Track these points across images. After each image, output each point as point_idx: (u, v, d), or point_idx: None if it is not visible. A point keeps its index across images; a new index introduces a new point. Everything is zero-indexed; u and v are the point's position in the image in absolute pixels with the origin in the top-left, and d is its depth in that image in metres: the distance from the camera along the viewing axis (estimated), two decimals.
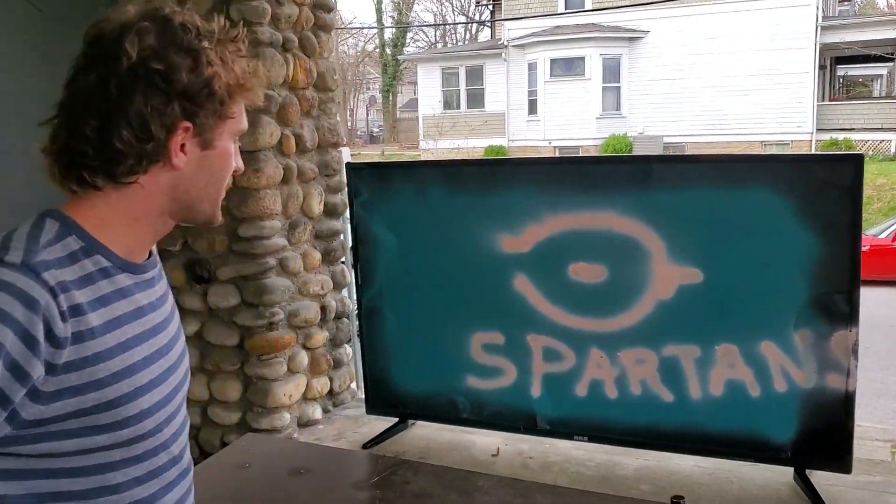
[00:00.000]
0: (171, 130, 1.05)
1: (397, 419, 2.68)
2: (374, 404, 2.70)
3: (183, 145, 1.07)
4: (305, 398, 2.80)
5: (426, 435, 2.66)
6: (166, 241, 2.67)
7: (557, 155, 17.51)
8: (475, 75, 22.37)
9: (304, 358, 2.76)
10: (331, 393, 2.92)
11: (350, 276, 2.96)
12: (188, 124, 1.06)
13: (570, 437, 2.47)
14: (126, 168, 1.05)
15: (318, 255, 2.81)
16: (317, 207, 2.80)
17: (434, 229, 2.52)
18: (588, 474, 2.38)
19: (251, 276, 2.62)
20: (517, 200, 2.40)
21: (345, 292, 3.01)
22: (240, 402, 2.70)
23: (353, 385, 3.05)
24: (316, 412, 2.82)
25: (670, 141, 18.71)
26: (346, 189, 2.60)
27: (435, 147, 22.10)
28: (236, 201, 2.58)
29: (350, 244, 2.75)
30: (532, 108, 21.09)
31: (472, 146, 21.19)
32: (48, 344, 0.97)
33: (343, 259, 2.98)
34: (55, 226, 1.05)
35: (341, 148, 2.99)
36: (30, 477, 1.04)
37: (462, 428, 2.66)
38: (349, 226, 2.61)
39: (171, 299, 1.24)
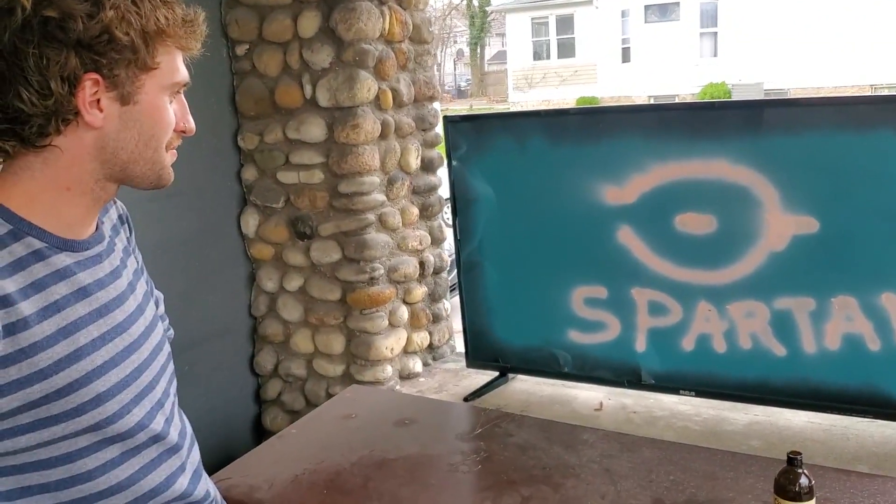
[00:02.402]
0: (73, 84, 0.96)
1: (498, 373, 2.69)
2: (475, 358, 2.70)
3: (98, 101, 0.98)
4: (406, 352, 2.83)
5: (527, 389, 2.66)
6: (269, 198, 2.72)
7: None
8: (565, 24, 21.88)
9: (404, 312, 2.78)
10: (431, 347, 2.94)
11: (447, 231, 2.96)
12: (95, 76, 0.97)
13: (676, 391, 2.42)
14: (35, 130, 0.96)
15: (415, 211, 2.82)
16: (414, 162, 2.79)
17: (534, 181, 2.48)
18: (695, 429, 2.33)
19: (351, 231, 2.64)
20: (621, 150, 2.32)
21: (443, 247, 3.00)
22: (343, 355, 2.75)
23: (453, 340, 3.06)
24: (417, 365, 2.85)
25: (771, 87, 17.82)
26: (444, 143, 2.58)
27: (524, 99, 21.81)
28: (336, 157, 2.60)
29: (448, 199, 2.74)
30: (625, 56, 20.50)
31: (563, 97, 20.79)
32: None
33: (440, 214, 2.97)
34: None
35: (437, 102, 2.96)
36: None
37: (563, 382, 2.64)
38: (447, 180, 2.59)
39: (129, 273, 1.16)
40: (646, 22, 19.70)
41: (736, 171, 2.15)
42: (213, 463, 2.07)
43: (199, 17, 1.07)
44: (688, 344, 2.36)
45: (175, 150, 1.11)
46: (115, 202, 1.25)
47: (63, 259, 1.03)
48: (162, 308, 1.37)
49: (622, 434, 2.15)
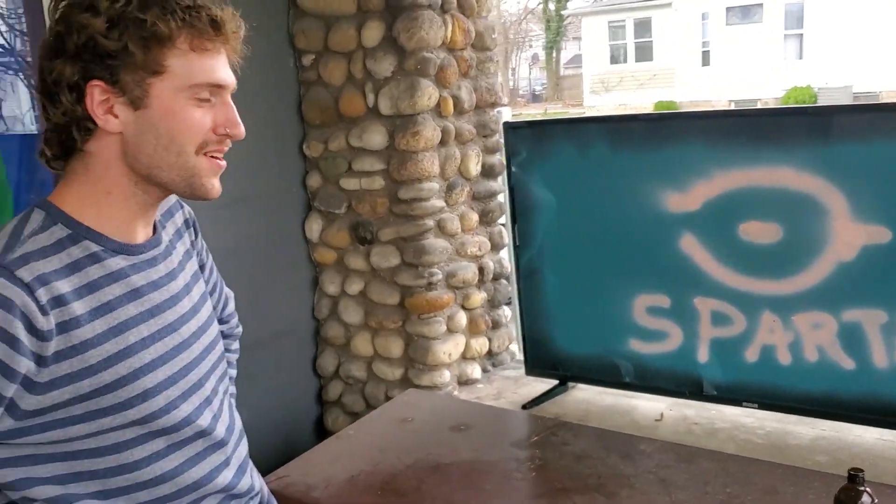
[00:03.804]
0: (78, 93, 1.01)
1: (557, 381, 2.67)
2: (534, 365, 2.69)
3: (111, 107, 1.02)
4: (465, 357, 2.84)
5: (586, 398, 2.63)
6: (332, 204, 2.77)
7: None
8: (643, 27, 21.55)
9: (462, 318, 2.79)
10: (490, 353, 2.94)
11: (507, 238, 2.96)
12: (98, 84, 1.01)
13: (738, 403, 2.36)
14: (66, 137, 1.03)
15: (475, 217, 2.82)
16: (474, 168, 2.80)
17: (596, 188, 2.45)
18: (758, 442, 2.27)
19: (410, 237, 2.67)
20: (685, 156, 2.28)
21: (502, 253, 3.00)
22: (402, 359, 2.78)
23: (513, 347, 3.05)
24: (475, 371, 2.86)
25: (861, 90, 17.07)
26: (504, 149, 2.58)
27: (601, 103, 21.56)
28: (396, 164, 2.63)
29: (508, 205, 2.74)
30: (705, 59, 20.01)
31: (640, 102, 20.47)
32: (33, 338, 0.97)
33: (501, 220, 2.97)
34: (41, 216, 1.04)
35: (501, 108, 2.96)
36: (49, 461, 1.04)
37: (624, 392, 2.61)
38: (507, 186, 2.59)
39: (186, 276, 1.20)
40: (727, 24, 19.22)
41: (802, 178, 2.08)
42: (277, 460, 2.13)
43: (231, 19, 1.06)
44: (751, 355, 2.30)
45: (220, 161, 1.11)
46: (182, 207, 1.30)
47: (118, 262, 1.08)
48: (232, 306, 1.44)
49: (680, 445, 2.11)
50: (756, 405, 2.32)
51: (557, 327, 2.61)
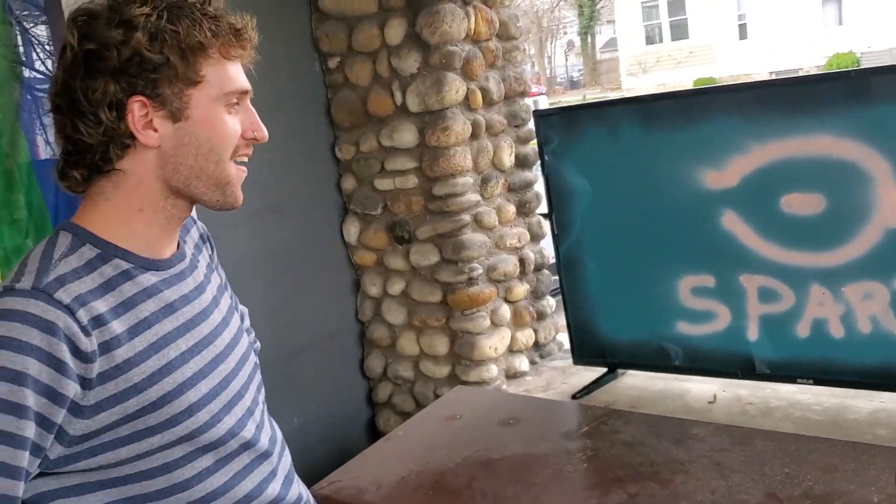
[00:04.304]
0: (120, 110, 1.00)
1: (606, 369, 2.63)
2: (581, 354, 2.66)
3: (150, 121, 1.02)
4: (511, 350, 2.82)
5: (636, 384, 2.59)
6: (367, 205, 2.78)
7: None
8: (677, 5, 21.20)
9: (506, 311, 2.77)
10: (536, 345, 2.91)
11: (546, 227, 2.93)
12: (140, 98, 1.00)
13: (792, 380, 2.30)
14: (98, 157, 1.02)
15: (512, 208, 2.80)
16: (507, 160, 2.78)
17: (631, 171, 2.41)
18: (815, 419, 2.20)
19: (448, 233, 2.66)
20: (719, 132, 2.23)
21: (542, 243, 2.97)
22: (448, 356, 2.77)
23: (560, 336, 3.02)
24: (523, 364, 2.83)
25: None
26: (536, 138, 2.56)
27: (639, 85, 21.28)
28: (428, 161, 2.62)
29: (544, 194, 2.71)
30: (742, 32, 19.61)
31: (679, 80, 20.15)
32: (77, 360, 0.96)
33: (539, 210, 2.94)
34: (68, 238, 1.04)
35: (538, 97, 2.93)
36: (99, 488, 1.02)
37: (674, 376, 2.56)
38: (542, 176, 2.56)
39: (213, 288, 1.19)
40: None
41: (842, 145, 2.02)
42: (333, 466, 2.14)
43: (248, 25, 1.08)
44: (802, 330, 2.24)
45: (244, 168, 1.13)
46: (195, 222, 1.30)
47: (149, 278, 1.08)
48: (247, 322, 1.42)
49: (734, 427, 2.06)
50: (811, 381, 2.26)
51: (603, 315, 2.58)
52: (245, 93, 1.10)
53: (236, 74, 1.08)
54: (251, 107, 1.12)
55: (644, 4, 21.83)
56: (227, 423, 1.12)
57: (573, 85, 32.63)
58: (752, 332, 2.32)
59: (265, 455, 1.20)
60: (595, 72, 30.09)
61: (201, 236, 1.31)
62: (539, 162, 2.59)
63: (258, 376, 1.28)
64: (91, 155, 1.03)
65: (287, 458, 1.29)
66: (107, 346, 0.99)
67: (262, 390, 1.29)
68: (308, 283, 2.83)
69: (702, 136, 2.26)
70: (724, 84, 2.63)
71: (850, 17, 18.04)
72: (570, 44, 36.47)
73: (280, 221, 2.68)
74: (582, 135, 2.48)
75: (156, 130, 1.03)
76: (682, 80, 20.02)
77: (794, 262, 2.20)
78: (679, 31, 21.22)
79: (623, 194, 2.45)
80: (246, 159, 1.13)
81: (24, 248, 2.01)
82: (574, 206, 2.53)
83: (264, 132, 1.12)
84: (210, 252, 1.32)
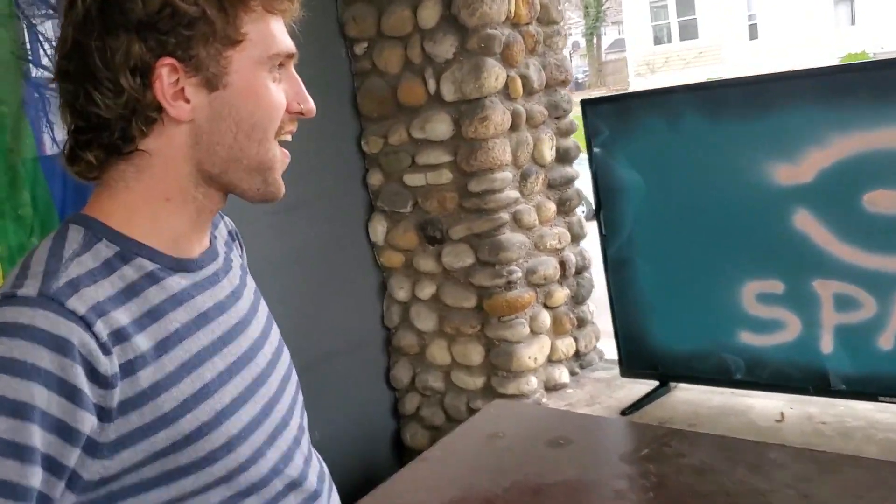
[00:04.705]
0: (146, 75, 0.80)
1: (657, 382, 2.41)
2: (630, 366, 2.44)
3: (182, 90, 0.81)
4: (550, 361, 2.59)
5: (692, 399, 2.37)
6: (396, 203, 2.56)
7: None
8: (686, 5, 21.01)
9: (546, 318, 2.55)
10: (577, 354, 2.69)
11: (587, 227, 2.71)
12: (170, 61, 0.80)
13: (874, 398, 2.07)
14: (118, 135, 0.81)
15: (552, 207, 2.58)
16: (548, 154, 2.56)
17: (691, 164, 2.20)
18: None
19: (484, 233, 2.44)
20: (794, 122, 2.01)
21: (583, 244, 2.75)
22: (483, 366, 2.55)
23: (600, 345, 2.79)
24: (563, 375, 2.61)
25: None
26: (584, 130, 2.33)
27: (646, 85, 21.10)
28: (464, 154, 2.40)
29: (589, 191, 2.49)
30: (752, 32, 19.45)
31: (688, 81, 19.93)
32: (95, 386, 0.74)
33: (580, 208, 2.72)
34: (80, 232, 0.83)
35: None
36: None
37: (733, 390, 2.34)
38: (589, 171, 2.34)
39: (249, 293, 0.98)
40: None
41: None
42: (355, 482, 1.94)
43: None
44: (885, 342, 2.02)
45: (287, 151, 0.93)
46: (222, 217, 1.09)
47: (178, 281, 0.87)
48: None
49: (818, 451, 1.85)
50: (895, 399, 2.03)
51: (655, 322, 2.36)
52: (290, 56, 0.91)
53: (281, 34, 0.89)
54: (296, 74, 0.93)
55: (652, 4, 21.63)
56: (270, 459, 0.91)
57: (578, 86, 32.38)
58: (826, 344, 2.10)
59: (314, 497, 0.98)
60: (601, 73, 29.85)
61: (230, 233, 1.09)
62: (586, 155, 2.36)
63: (301, 398, 1.07)
64: (108, 132, 0.82)
65: (336, 499, 1.07)
66: (130, 367, 0.78)
67: (305, 415, 1.08)
68: (330, 286, 2.61)
69: (774, 127, 2.05)
70: (803, 69, 2.43)
71: (863, 17, 17.85)
72: (576, 45, 36.26)
73: (300, 220, 2.46)
74: (636, 125, 2.26)
75: (188, 101, 0.83)
76: (690, 80, 19.82)
77: (877, 267, 1.98)
78: (688, 30, 21.02)
79: (681, 190, 2.24)
80: (290, 138, 0.93)
81: (29, 246, 1.87)
82: (626, 204, 2.31)
83: (311, 104, 0.93)
84: (240, 252, 1.10)
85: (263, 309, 1.04)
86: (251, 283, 1.05)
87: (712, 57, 20.00)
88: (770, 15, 18.78)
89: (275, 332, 1.04)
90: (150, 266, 0.85)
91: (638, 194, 2.29)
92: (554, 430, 2.08)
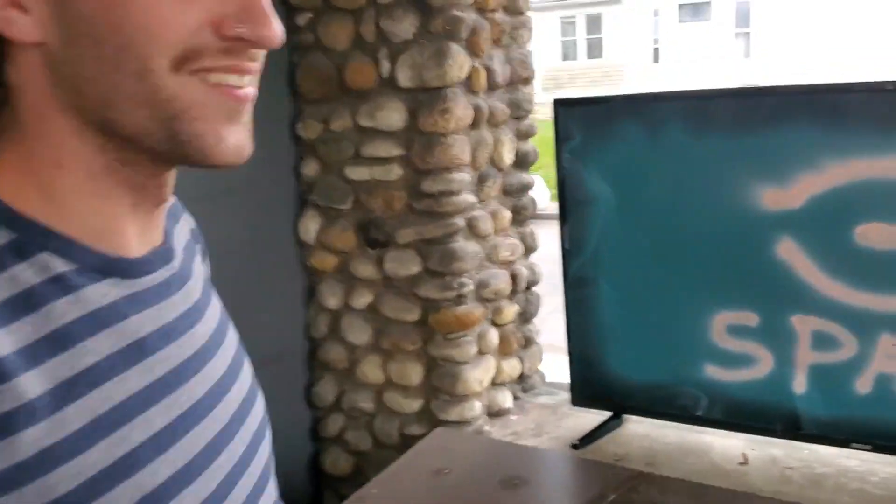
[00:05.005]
0: None
1: (611, 413, 2.21)
2: (582, 394, 2.23)
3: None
4: (494, 383, 2.36)
5: (647, 433, 2.18)
6: (333, 198, 2.27)
7: None
8: (594, 23, 21.41)
9: (494, 336, 2.31)
10: (521, 377, 2.47)
11: (540, 239, 2.49)
12: None
13: (845, 444, 1.94)
14: None
15: (508, 215, 2.35)
16: (507, 156, 2.32)
17: (669, 180, 2.01)
18: (874, 493, 1.85)
19: (436, 239, 2.18)
20: (788, 142, 1.85)
21: (532, 258, 2.53)
22: (422, 388, 2.28)
23: (541, 367, 2.58)
24: (506, 400, 2.38)
25: None
26: (554, 133, 2.11)
27: (550, 100, 21.33)
28: (419, 149, 2.14)
29: (546, 201, 2.27)
30: (655, 56, 20.04)
31: None
32: None
33: (532, 219, 2.50)
34: None
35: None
36: None
37: (690, 427, 2.17)
38: (556, 178, 2.12)
39: (213, 315, 0.70)
40: (679, 21, 19.17)
41: None
42: None
43: None
44: (862, 385, 1.89)
45: (234, 88, 0.58)
46: (183, 210, 0.79)
47: (104, 291, 0.57)
48: None
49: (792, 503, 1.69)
50: (869, 447, 1.90)
51: (614, 348, 2.16)
52: None
53: None
54: None
55: (563, 20, 21.90)
56: None
57: None
58: (800, 384, 1.96)
59: None
60: None
61: (192, 232, 0.79)
62: (555, 162, 2.14)
63: (273, 464, 0.78)
64: None
65: None
66: (8, 424, 0.48)
67: (276, 487, 0.79)
68: (249, 287, 2.28)
69: (765, 145, 1.88)
70: (805, 84, 2.29)
71: (757, 50, 18.66)
72: None
73: (219, 212, 2.10)
74: (611, 132, 2.06)
75: (25, 11, 0.53)
76: None
77: (861, 305, 1.85)
78: (595, 49, 21.41)
79: (655, 207, 2.05)
80: (235, 77, 0.58)
81: None
82: (593, 217, 2.11)
83: (270, 27, 0.57)
84: (204, 258, 0.81)
85: (232, 338, 0.75)
86: (217, 302, 0.76)
87: (617, 77, 20.43)
88: (673, 42, 19.35)
89: (246, 372, 0.75)
90: (59, 266, 0.54)
91: (607, 208, 2.09)
92: (506, 466, 1.85)
